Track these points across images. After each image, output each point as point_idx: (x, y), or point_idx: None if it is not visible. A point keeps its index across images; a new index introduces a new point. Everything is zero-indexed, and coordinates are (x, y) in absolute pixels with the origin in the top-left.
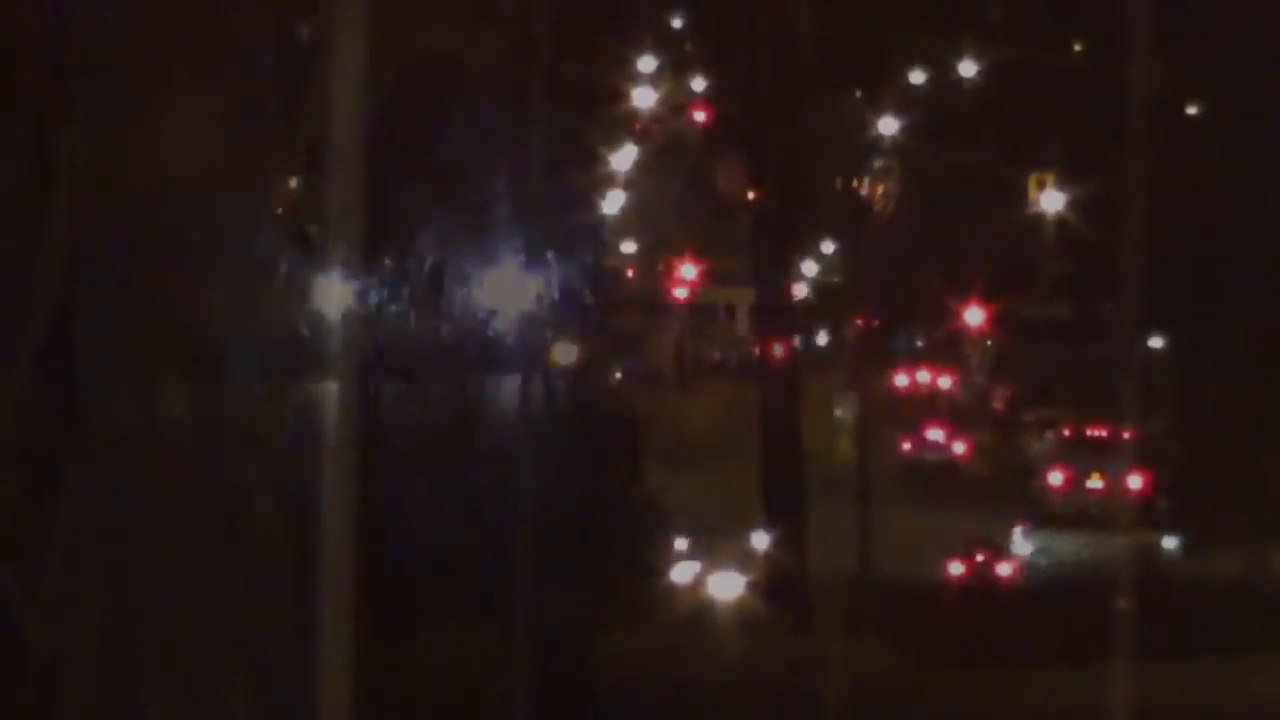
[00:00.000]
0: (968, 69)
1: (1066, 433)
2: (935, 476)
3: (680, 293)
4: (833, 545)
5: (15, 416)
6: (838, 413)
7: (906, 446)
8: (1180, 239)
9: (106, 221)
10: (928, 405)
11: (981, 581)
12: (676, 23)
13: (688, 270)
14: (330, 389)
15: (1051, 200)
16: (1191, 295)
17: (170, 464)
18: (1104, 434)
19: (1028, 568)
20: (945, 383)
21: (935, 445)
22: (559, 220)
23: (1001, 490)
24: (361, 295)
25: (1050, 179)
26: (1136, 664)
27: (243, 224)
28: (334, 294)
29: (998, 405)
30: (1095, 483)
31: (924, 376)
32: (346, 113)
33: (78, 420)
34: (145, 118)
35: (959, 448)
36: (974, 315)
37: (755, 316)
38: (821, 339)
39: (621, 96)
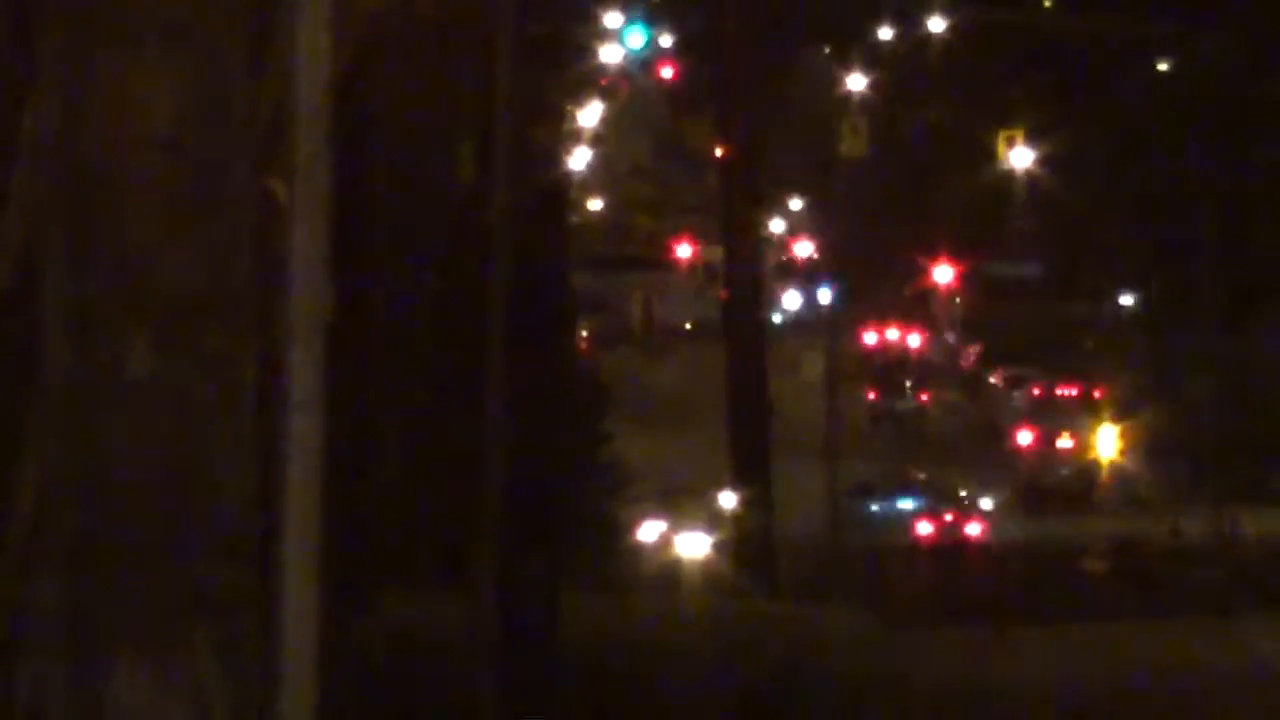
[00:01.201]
0: (936, 25)
1: (1036, 391)
2: (903, 428)
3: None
4: (800, 504)
5: None
6: (805, 372)
7: (873, 396)
8: (1150, 194)
9: (70, 182)
10: (897, 360)
11: (949, 541)
12: None
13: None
14: (298, 347)
15: (1021, 157)
16: (1162, 251)
17: (135, 425)
18: (1074, 392)
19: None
20: (915, 341)
21: (902, 392)
22: (524, 178)
23: (970, 447)
24: (328, 253)
25: (1019, 136)
26: (1100, 625)
27: (210, 185)
28: (301, 252)
29: (966, 363)
30: (1065, 442)
31: (893, 334)
32: (312, 70)
33: (41, 381)
34: (110, 77)
35: (925, 396)
36: (943, 273)
37: (723, 276)
38: (791, 299)
39: (587, 52)
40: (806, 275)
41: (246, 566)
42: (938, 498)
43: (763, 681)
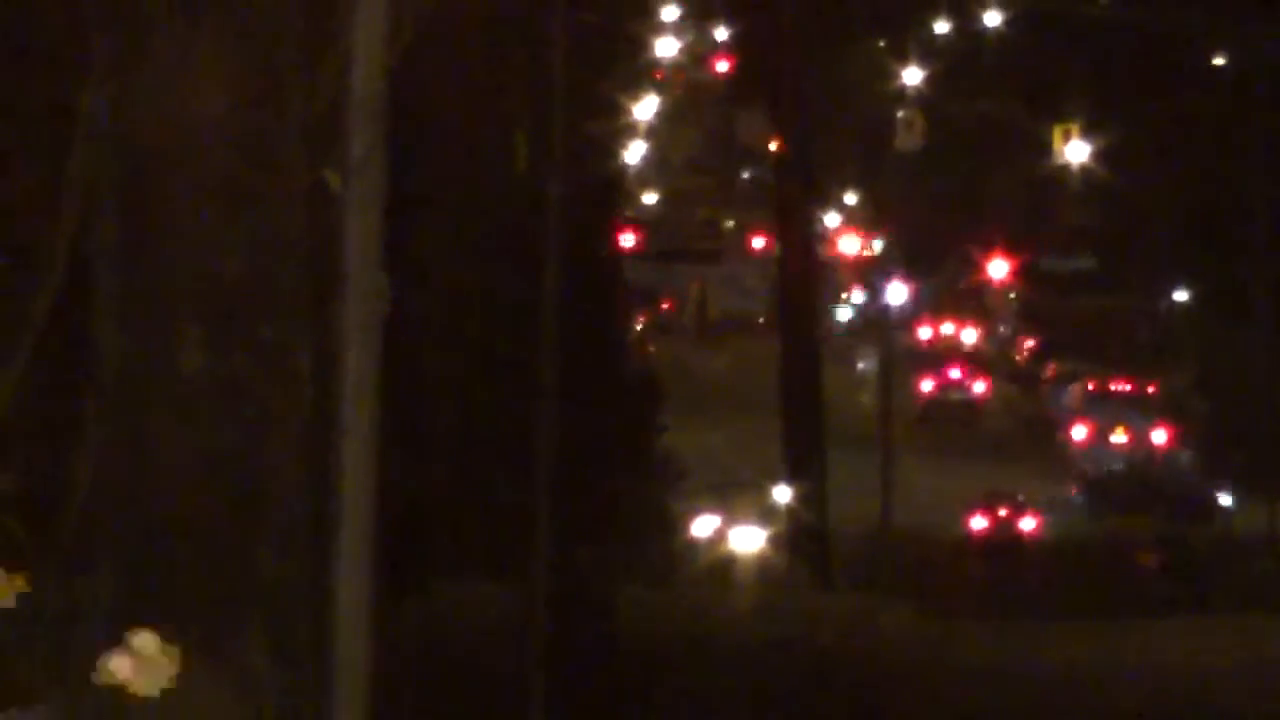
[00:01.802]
0: (992, 18)
1: (1090, 386)
2: (956, 419)
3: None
4: (854, 497)
5: (32, 373)
6: (860, 365)
7: (928, 386)
8: (1205, 189)
9: (125, 175)
10: (950, 353)
11: (1003, 536)
12: None
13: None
14: (353, 341)
15: (1076, 151)
16: (1217, 247)
17: (188, 417)
18: (1128, 387)
19: None
20: (969, 336)
21: (957, 385)
22: (578, 170)
23: (1024, 442)
24: (382, 246)
25: (1075, 129)
26: (1151, 621)
27: (264, 175)
28: (356, 245)
29: (1020, 358)
30: (1119, 437)
31: (948, 329)
32: (369, 60)
33: (94, 377)
34: (165, 68)
35: (979, 387)
36: (998, 267)
37: (778, 269)
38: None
39: (643, 46)
40: (870, 273)
41: (300, 557)
42: None
43: (810, 674)
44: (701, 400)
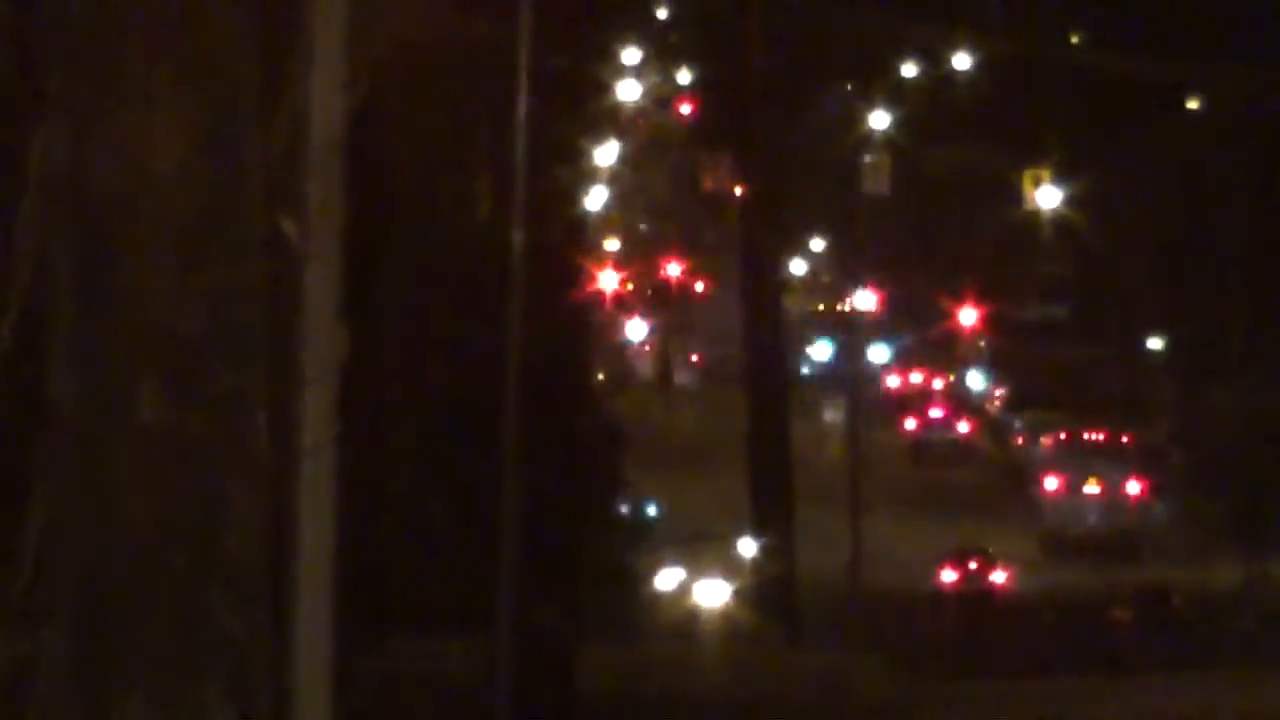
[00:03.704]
0: (962, 62)
1: (1063, 436)
2: (945, 458)
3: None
4: (821, 550)
5: None
6: (827, 416)
7: (911, 425)
8: (1179, 237)
9: (79, 222)
10: (932, 394)
11: (974, 589)
12: (662, 13)
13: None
14: (310, 391)
15: (1048, 197)
16: (1191, 294)
17: (145, 469)
18: (1101, 438)
19: None
20: (938, 385)
21: (939, 424)
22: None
23: (996, 493)
24: (341, 294)
25: (1047, 176)
26: (1130, 677)
27: (220, 224)
28: (314, 293)
29: (991, 408)
30: (1092, 488)
31: (916, 378)
32: (326, 108)
33: (48, 426)
34: (120, 114)
35: (963, 427)
36: (968, 315)
37: (744, 317)
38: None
39: (605, 89)
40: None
41: (259, 611)
42: None
43: None
44: (667, 452)
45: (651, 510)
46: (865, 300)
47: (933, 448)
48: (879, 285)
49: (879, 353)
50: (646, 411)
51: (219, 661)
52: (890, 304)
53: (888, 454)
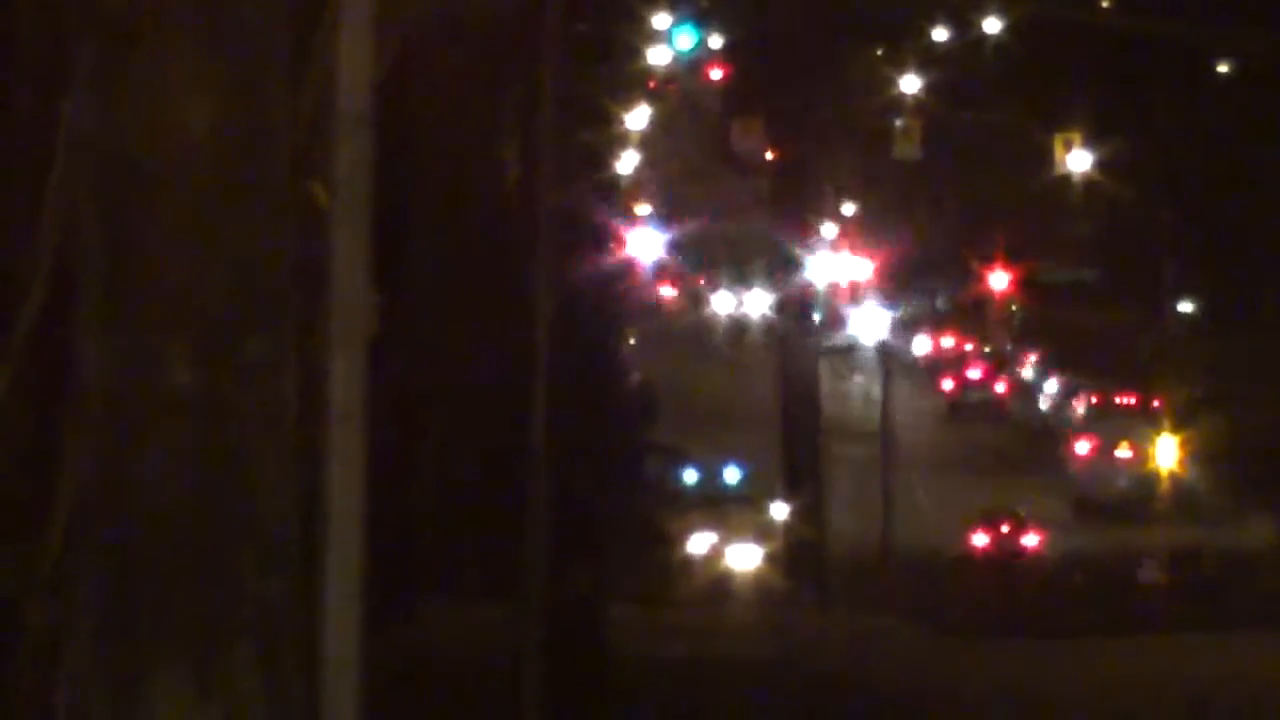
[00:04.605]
0: (992, 25)
1: (1093, 400)
2: (982, 417)
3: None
4: (851, 513)
5: (14, 389)
6: (858, 379)
7: (949, 385)
8: (1211, 199)
9: (108, 189)
10: (957, 362)
11: (1004, 552)
12: None
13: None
14: (340, 357)
15: (1078, 161)
16: (1220, 257)
17: (175, 436)
18: (1132, 401)
19: None
20: (968, 349)
21: (977, 385)
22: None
23: (1028, 456)
24: (370, 261)
25: (1077, 139)
26: (1159, 638)
27: (249, 191)
28: (342, 260)
29: (1022, 371)
30: (1124, 451)
31: (948, 342)
32: (354, 74)
33: (78, 393)
34: (148, 80)
35: (1000, 387)
36: (998, 279)
37: (776, 281)
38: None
39: (635, 54)
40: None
41: (288, 577)
42: None
43: (815, 696)
44: (699, 414)
45: (732, 475)
46: (860, 269)
47: (970, 407)
48: (894, 249)
49: (876, 318)
50: (679, 373)
51: (249, 628)
52: (904, 269)
53: (920, 418)
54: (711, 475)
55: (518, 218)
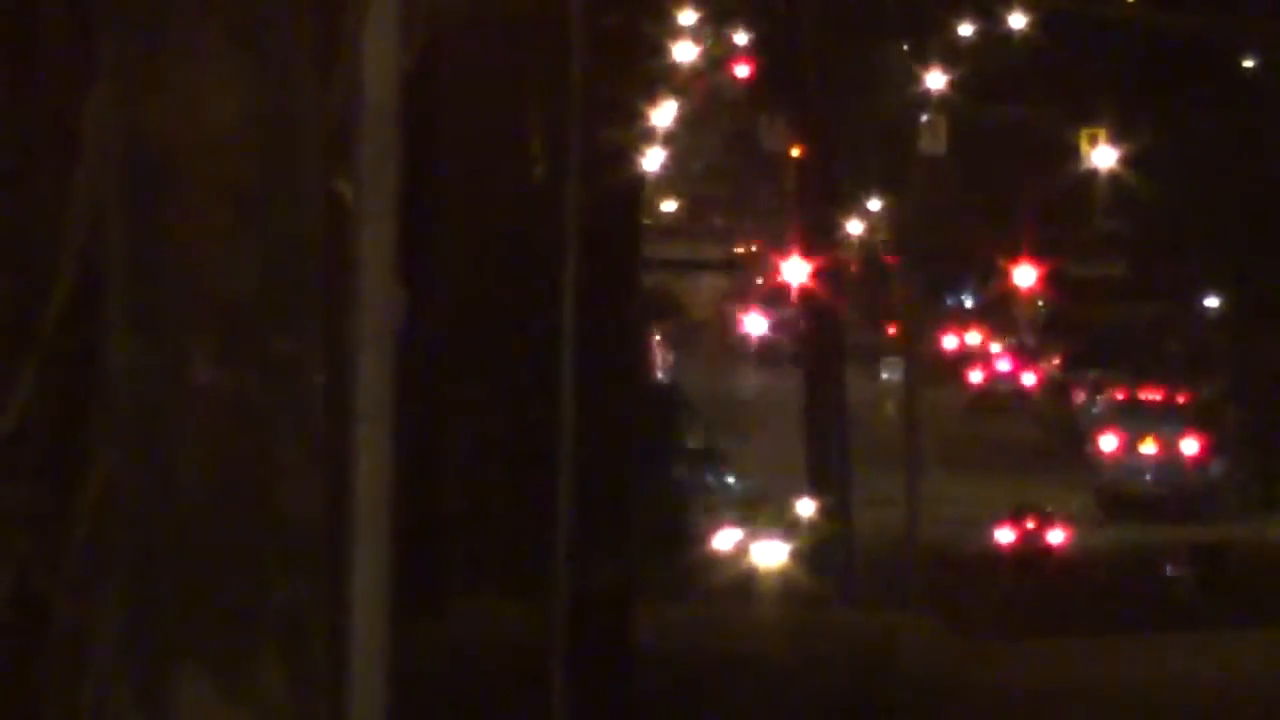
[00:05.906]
0: (1018, 21)
1: (1120, 395)
2: (1008, 409)
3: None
4: (878, 510)
5: (40, 389)
6: (884, 375)
7: (977, 377)
8: (1236, 193)
9: (133, 183)
10: (983, 356)
11: (1031, 549)
12: None
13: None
14: (366, 354)
15: (1104, 156)
16: (1248, 252)
17: (201, 432)
18: (1159, 396)
19: None
20: (995, 347)
21: (1006, 377)
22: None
23: (1053, 452)
24: (396, 257)
25: (1103, 134)
26: (1186, 635)
27: (275, 185)
28: (368, 255)
29: (1049, 365)
30: (1149, 447)
31: (974, 338)
32: (380, 68)
33: (103, 391)
34: (172, 73)
35: (1029, 379)
36: (1025, 275)
37: (800, 279)
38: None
39: (661, 50)
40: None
41: (315, 577)
42: None
43: (839, 694)
44: (724, 412)
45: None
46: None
47: (997, 397)
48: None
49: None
50: (705, 370)
51: (275, 625)
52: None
53: (946, 414)
54: (737, 472)
55: (544, 213)
